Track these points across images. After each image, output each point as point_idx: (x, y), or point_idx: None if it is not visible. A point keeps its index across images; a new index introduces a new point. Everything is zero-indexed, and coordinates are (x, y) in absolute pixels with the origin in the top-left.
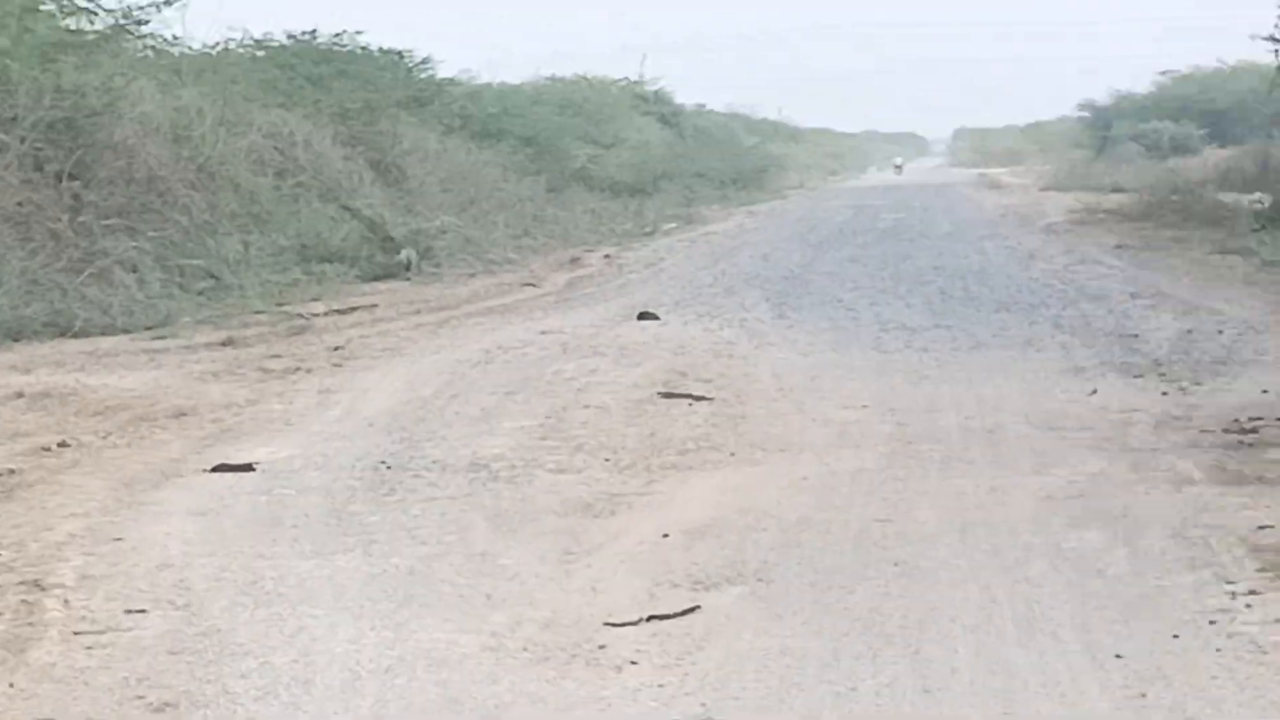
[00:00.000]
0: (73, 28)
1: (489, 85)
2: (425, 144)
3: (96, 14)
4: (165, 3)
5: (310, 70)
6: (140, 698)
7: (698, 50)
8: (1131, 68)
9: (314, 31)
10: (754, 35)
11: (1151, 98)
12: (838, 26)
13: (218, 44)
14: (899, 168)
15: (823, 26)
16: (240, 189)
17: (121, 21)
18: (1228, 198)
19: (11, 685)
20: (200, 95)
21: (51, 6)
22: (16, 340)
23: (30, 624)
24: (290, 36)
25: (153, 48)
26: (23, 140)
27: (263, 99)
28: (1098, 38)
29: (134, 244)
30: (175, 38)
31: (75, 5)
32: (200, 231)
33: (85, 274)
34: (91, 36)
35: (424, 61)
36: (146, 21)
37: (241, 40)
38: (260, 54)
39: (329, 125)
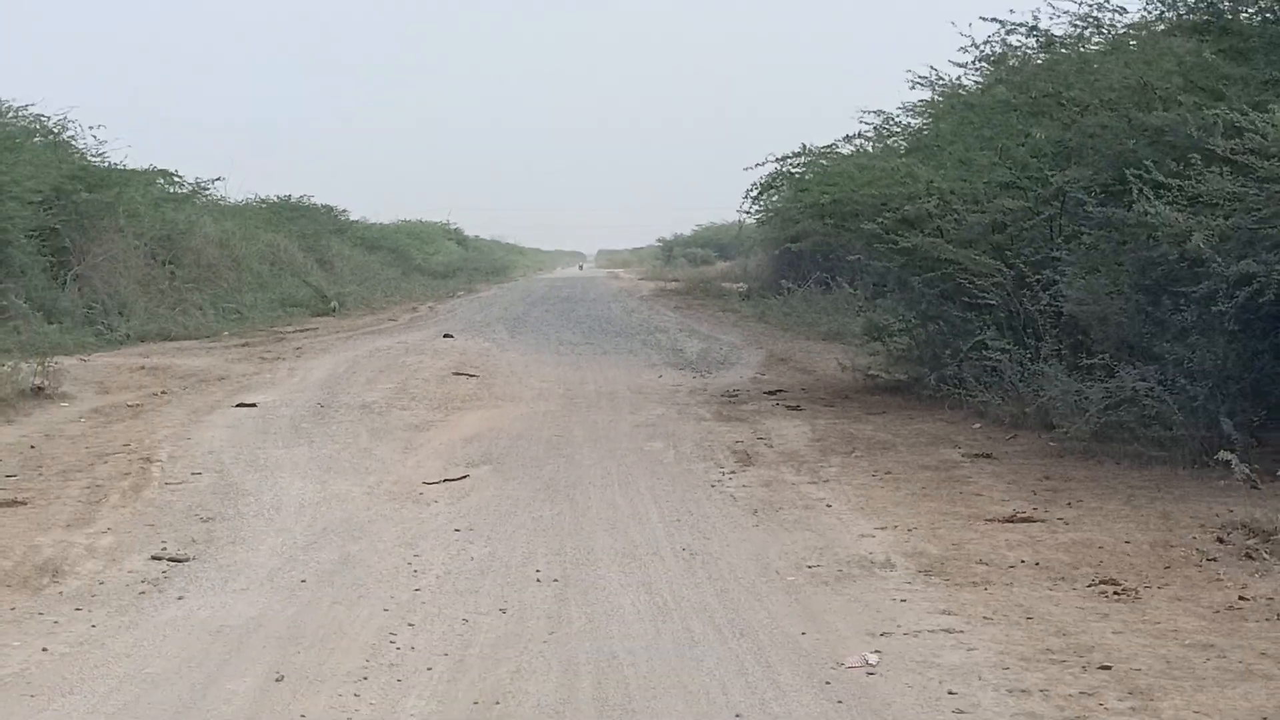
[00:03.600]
0: (170, 190)
1: (375, 224)
2: (343, 251)
3: (182, 184)
4: (216, 179)
5: (288, 213)
6: (197, 515)
7: (482, 207)
8: (684, 217)
9: (289, 195)
10: (511, 195)
11: (694, 236)
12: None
13: (244, 199)
14: (582, 268)
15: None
16: (253, 270)
17: (196, 187)
18: (727, 285)
19: (133, 510)
20: (235, 224)
21: (161, 181)
22: (142, 342)
23: (143, 478)
24: (278, 196)
25: (211, 199)
26: (147, 245)
27: (264, 227)
28: (674, 208)
29: (201, 296)
30: (223, 195)
31: (172, 180)
32: (233, 290)
33: (176, 309)
34: (181, 193)
35: (343, 210)
36: (207, 188)
37: (254, 197)
38: (264, 204)
39: (296, 240)
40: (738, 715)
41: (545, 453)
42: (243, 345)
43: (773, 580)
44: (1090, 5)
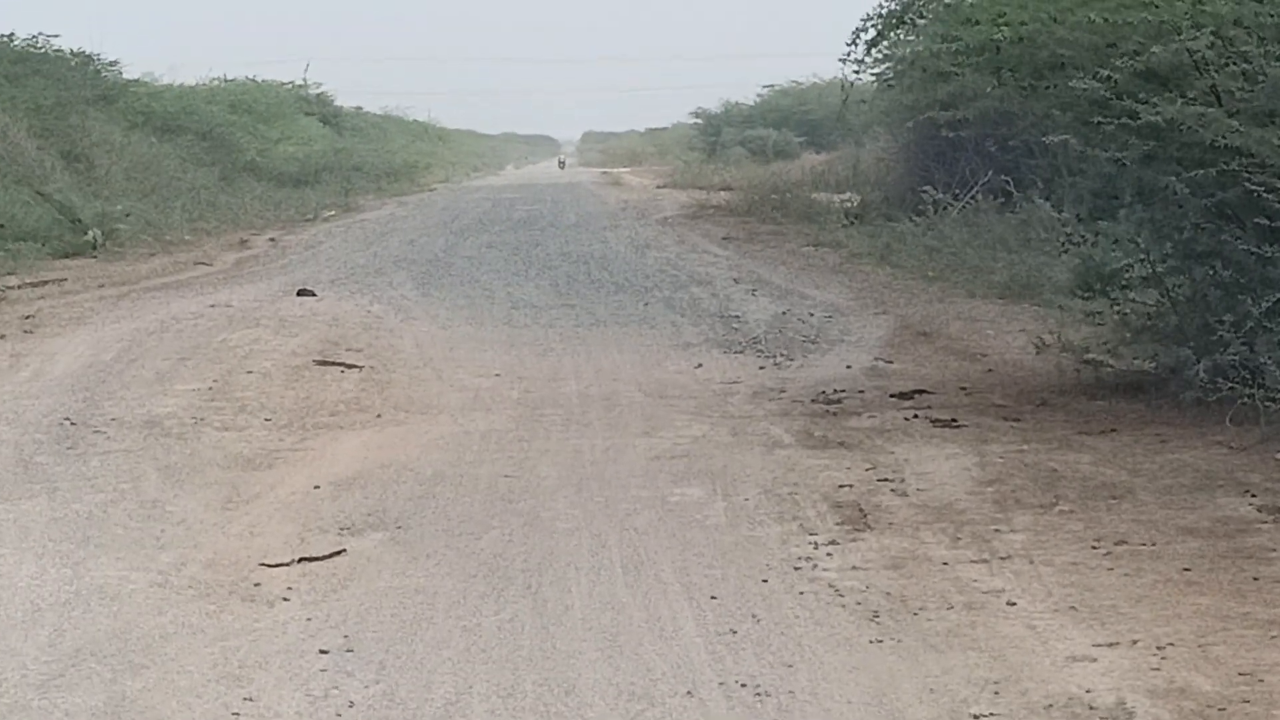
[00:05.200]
0: None
1: (170, 86)
2: (112, 137)
3: None
4: None
5: (6, 69)
6: None
7: (358, 61)
8: (741, 77)
9: (11, 34)
10: (409, 45)
11: (757, 108)
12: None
13: None
14: (563, 164)
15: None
16: None
17: None
18: (820, 197)
19: None
20: None
21: None
22: None
23: None
24: None
25: None
26: None
27: None
28: (714, 59)
29: None
30: None
31: None
32: None
33: None
34: None
35: (112, 63)
36: None
37: None
38: None
39: (24, 119)
40: None
41: (486, 508)
42: None
43: None
44: None
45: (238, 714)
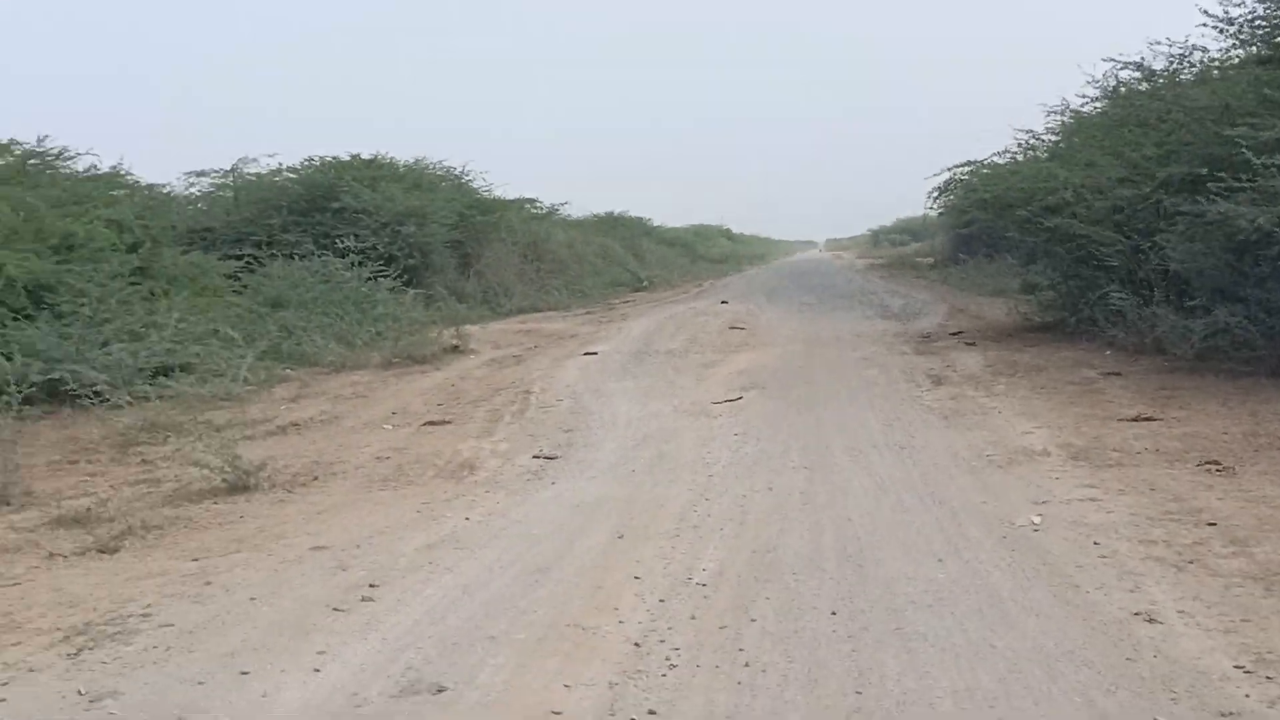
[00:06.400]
0: (533, 211)
1: (670, 228)
2: (651, 247)
3: (542, 207)
4: (564, 203)
5: (612, 223)
6: (561, 428)
7: (744, 199)
8: (887, 212)
9: (613, 210)
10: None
11: (894, 225)
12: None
13: (582, 216)
14: (820, 251)
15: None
16: (591, 263)
17: (551, 209)
18: (920, 260)
19: (520, 425)
20: (577, 233)
21: (528, 206)
22: (520, 314)
23: (525, 404)
24: (605, 213)
25: (561, 216)
26: (520, 249)
27: (596, 234)
28: (881, 200)
29: (557, 281)
30: (569, 213)
31: (534, 205)
32: (578, 277)
33: (541, 291)
34: (540, 213)
35: (649, 219)
36: (557, 209)
37: (590, 214)
38: (596, 218)
39: (619, 241)
40: (939, 559)
41: (794, 380)
42: (586, 313)
43: (960, 465)
44: (1182, 47)
45: (706, 455)
